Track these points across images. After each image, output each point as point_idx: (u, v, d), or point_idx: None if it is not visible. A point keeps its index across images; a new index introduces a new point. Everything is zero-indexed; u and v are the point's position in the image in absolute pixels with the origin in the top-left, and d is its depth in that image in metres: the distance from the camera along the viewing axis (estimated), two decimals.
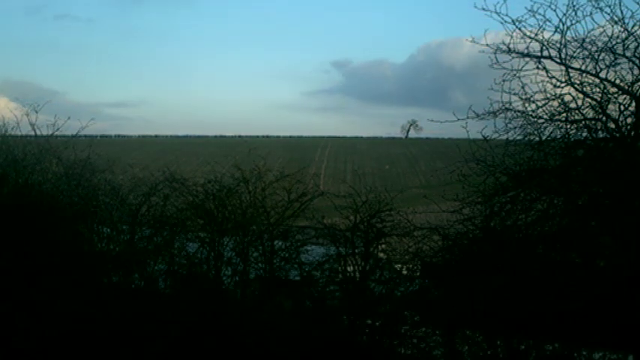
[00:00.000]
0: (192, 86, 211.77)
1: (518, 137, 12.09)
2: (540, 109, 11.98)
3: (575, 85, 11.89)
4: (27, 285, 14.90)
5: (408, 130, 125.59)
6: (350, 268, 14.67)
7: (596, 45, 11.65)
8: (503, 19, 11.86)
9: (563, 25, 11.76)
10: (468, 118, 12.27)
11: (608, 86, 11.76)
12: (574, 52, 11.79)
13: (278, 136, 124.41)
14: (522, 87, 11.98)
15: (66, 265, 15.18)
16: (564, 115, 11.96)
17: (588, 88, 11.84)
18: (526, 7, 11.80)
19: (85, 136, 20.27)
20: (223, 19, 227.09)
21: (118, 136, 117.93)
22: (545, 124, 12.02)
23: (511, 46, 11.92)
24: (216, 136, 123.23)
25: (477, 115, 12.20)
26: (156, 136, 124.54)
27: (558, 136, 12.01)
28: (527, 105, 12.03)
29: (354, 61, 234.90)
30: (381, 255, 14.84)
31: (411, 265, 14.40)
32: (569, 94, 11.95)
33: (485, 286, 12.29)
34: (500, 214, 12.43)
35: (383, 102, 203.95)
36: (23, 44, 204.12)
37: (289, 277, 15.00)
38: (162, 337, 14.15)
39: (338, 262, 14.75)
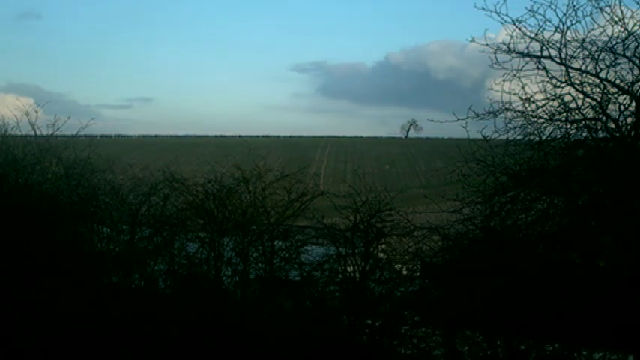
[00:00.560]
0: (193, 86, 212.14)
1: (518, 137, 12.08)
2: (540, 109, 11.98)
3: (575, 85, 11.88)
4: (27, 285, 14.87)
5: (408, 130, 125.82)
6: (350, 268, 14.66)
7: (596, 45, 11.66)
8: (503, 19, 11.88)
9: (563, 25, 11.77)
10: (468, 118, 12.28)
11: (608, 86, 11.76)
12: (574, 52, 11.80)
13: (278, 136, 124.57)
14: (522, 87, 11.99)
15: (66, 265, 15.16)
16: (564, 115, 11.95)
17: (588, 88, 11.84)
18: (526, 7, 11.82)
19: (85, 136, 20.26)
20: (223, 19, 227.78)
21: (118, 136, 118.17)
22: (545, 124, 12.02)
23: (511, 46, 11.95)
24: (216, 136, 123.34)
25: (477, 115, 12.20)
26: (156, 136, 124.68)
27: (558, 136, 12.01)
28: (527, 105, 12.03)
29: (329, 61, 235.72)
30: (381, 255, 14.83)
31: (411, 265, 14.40)
32: (569, 94, 11.94)
33: (485, 286, 12.29)
34: (500, 214, 12.42)
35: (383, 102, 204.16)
36: (24, 45, 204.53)
37: (289, 277, 14.99)
38: (162, 337, 14.14)
39: (338, 262, 14.74)
